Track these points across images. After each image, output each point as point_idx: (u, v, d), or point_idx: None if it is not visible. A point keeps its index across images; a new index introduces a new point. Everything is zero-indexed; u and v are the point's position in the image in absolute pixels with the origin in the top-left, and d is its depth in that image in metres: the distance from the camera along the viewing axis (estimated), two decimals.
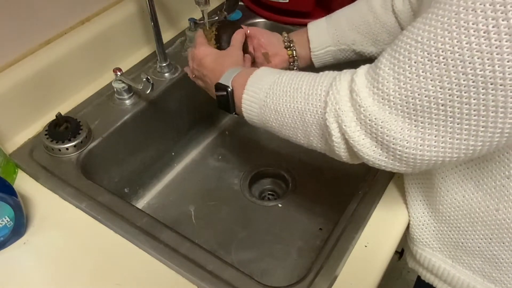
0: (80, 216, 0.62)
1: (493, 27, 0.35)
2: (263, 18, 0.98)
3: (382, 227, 0.60)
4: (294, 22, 0.94)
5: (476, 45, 0.36)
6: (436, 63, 0.38)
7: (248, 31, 0.73)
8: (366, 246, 0.58)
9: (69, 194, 0.64)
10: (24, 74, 0.71)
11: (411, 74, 0.40)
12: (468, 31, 0.36)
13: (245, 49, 0.70)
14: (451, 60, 0.38)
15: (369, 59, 0.70)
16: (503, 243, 0.54)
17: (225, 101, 0.60)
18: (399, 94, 0.41)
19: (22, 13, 0.69)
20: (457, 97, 0.39)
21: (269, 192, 0.90)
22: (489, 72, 0.36)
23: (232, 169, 0.91)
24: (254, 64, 0.74)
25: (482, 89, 0.37)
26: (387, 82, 0.42)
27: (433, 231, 0.60)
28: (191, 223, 0.82)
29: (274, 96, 0.53)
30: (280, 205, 0.85)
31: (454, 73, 0.38)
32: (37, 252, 0.59)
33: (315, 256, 0.58)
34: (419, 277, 0.67)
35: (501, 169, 0.49)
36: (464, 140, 0.41)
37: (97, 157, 0.73)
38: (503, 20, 0.35)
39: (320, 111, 0.48)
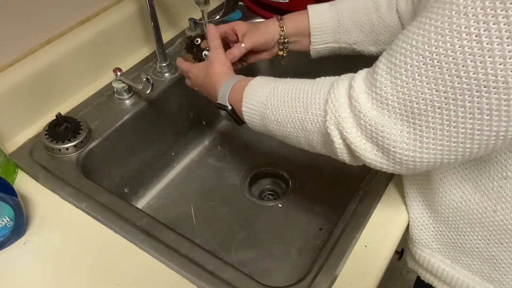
0: (80, 216, 0.62)
1: (484, 30, 0.36)
2: (263, 18, 0.98)
3: (382, 227, 0.60)
4: None
5: (468, 48, 0.37)
6: (431, 66, 0.39)
7: (235, 27, 0.71)
8: (366, 246, 0.58)
9: (69, 194, 0.64)
10: (24, 74, 0.71)
11: (407, 78, 0.41)
12: (460, 35, 0.37)
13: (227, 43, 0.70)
14: (445, 63, 0.38)
15: (366, 57, 0.70)
16: (501, 244, 0.54)
17: (229, 117, 0.61)
18: (396, 98, 0.42)
19: (22, 13, 0.69)
20: (452, 100, 0.39)
21: (269, 192, 0.90)
22: (482, 75, 0.37)
23: (232, 169, 0.91)
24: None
25: (476, 92, 0.38)
26: (384, 87, 0.42)
27: (432, 232, 0.60)
28: (191, 223, 0.82)
29: (272, 107, 0.53)
30: (280, 205, 0.85)
31: (449, 76, 0.38)
32: (37, 252, 0.59)
33: (315, 256, 0.58)
34: (418, 277, 0.67)
35: (498, 170, 0.49)
36: (461, 143, 0.41)
37: (97, 157, 0.73)
38: (493, 24, 0.35)
39: (321, 119, 0.49)
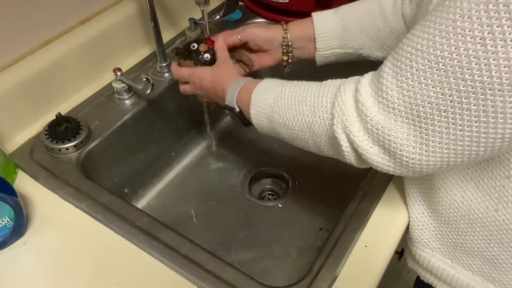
0: (80, 216, 0.62)
1: (488, 33, 0.36)
2: (263, 18, 0.98)
3: (382, 227, 0.60)
4: None
5: (473, 51, 0.37)
6: (436, 70, 0.39)
7: (239, 36, 0.70)
8: (366, 246, 0.58)
9: (69, 194, 0.64)
10: (24, 74, 0.71)
11: (413, 82, 0.41)
12: (465, 38, 0.37)
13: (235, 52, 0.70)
14: (450, 66, 0.38)
15: (372, 62, 0.69)
16: (502, 244, 0.54)
17: (237, 119, 0.61)
18: (403, 102, 0.42)
19: (22, 13, 0.69)
20: (457, 103, 0.39)
21: (269, 192, 0.90)
22: (487, 77, 0.37)
23: (232, 169, 0.91)
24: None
25: (481, 95, 0.38)
26: (390, 91, 0.43)
27: (433, 231, 0.60)
28: (191, 223, 0.82)
29: (280, 110, 0.54)
30: (280, 205, 0.85)
31: (454, 79, 0.38)
32: (37, 252, 0.59)
33: (315, 256, 0.58)
34: (418, 277, 0.67)
35: (501, 170, 0.49)
36: (467, 146, 0.41)
37: (97, 157, 0.73)
38: (497, 27, 0.35)
39: (328, 123, 0.49)
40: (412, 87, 0.41)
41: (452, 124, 0.41)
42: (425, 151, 0.43)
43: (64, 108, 0.76)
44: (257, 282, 0.54)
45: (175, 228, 0.60)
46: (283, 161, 0.91)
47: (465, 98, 0.39)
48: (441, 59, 0.39)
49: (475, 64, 0.37)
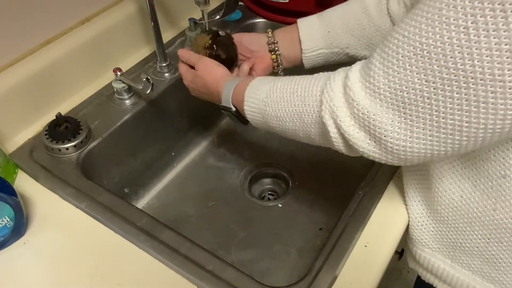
0: (80, 216, 0.62)
1: (471, 23, 0.36)
2: (263, 18, 0.98)
3: (382, 227, 0.60)
4: (294, 22, 0.94)
5: (456, 40, 0.37)
6: (421, 57, 0.40)
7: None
8: (366, 246, 0.58)
9: (69, 194, 0.64)
10: (24, 74, 0.71)
11: (398, 68, 0.41)
12: (449, 26, 0.37)
13: (234, 58, 0.70)
14: (434, 54, 0.39)
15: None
16: (501, 243, 0.54)
17: (234, 118, 0.63)
18: (388, 88, 0.43)
19: (22, 13, 0.69)
20: (440, 90, 0.40)
21: (269, 192, 0.90)
22: (469, 66, 0.37)
23: (232, 169, 0.91)
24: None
25: (464, 83, 0.38)
26: (377, 76, 0.43)
27: (432, 231, 0.60)
28: (191, 223, 0.82)
29: (272, 103, 0.55)
30: (280, 205, 0.85)
31: (437, 67, 0.39)
32: (37, 252, 0.59)
33: (315, 256, 0.58)
34: (419, 277, 0.67)
35: (496, 169, 0.49)
36: (450, 135, 0.42)
37: (97, 157, 0.73)
38: (480, 17, 0.36)
39: (317, 110, 0.49)
40: (398, 73, 0.42)
41: (436, 112, 0.41)
42: (409, 138, 0.43)
43: (64, 108, 0.76)
44: (257, 282, 0.54)
45: (175, 228, 0.60)
46: (283, 161, 0.91)
47: (448, 86, 0.39)
48: (426, 46, 0.39)
49: (458, 53, 0.37)
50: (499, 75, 0.37)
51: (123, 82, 0.77)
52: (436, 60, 0.39)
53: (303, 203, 0.85)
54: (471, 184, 0.52)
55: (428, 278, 0.64)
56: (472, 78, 0.38)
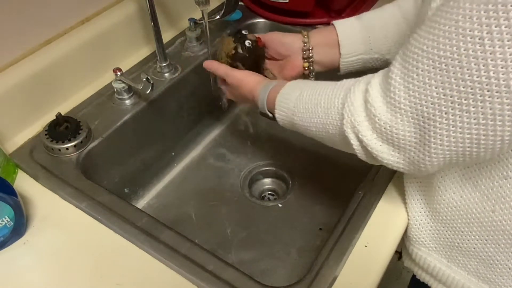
0: (80, 216, 0.62)
1: (486, 33, 0.36)
2: (263, 18, 0.98)
3: (382, 227, 0.60)
4: (294, 22, 0.94)
5: (472, 51, 0.37)
6: (439, 70, 0.40)
7: (262, 40, 0.71)
8: (366, 246, 0.58)
9: (69, 194, 0.64)
10: (24, 74, 0.71)
11: (418, 82, 0.42)
12: (465, 38, 0.37)
13: (260, 60, 0.70)
14: (452, 67, 0.39)
15: None
16: (498, 245, 0.54)
17: (274, 120, 0.63)
18: (409, 102, 0.43)
19: (22, 13, 0.69)
20: (458, 104, 0.40)
21: (269, 192, 0.90)
22: (485, 78, 0.37)
23: (232, 169, 0.91)
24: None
25: (480, 96, 0.38)
26: (398, 91, 0.43)
27: (430, 230, 0.60)
28: (191, 223, 0.82)
29: (299, 113, 0.56)
30: (280, 205, 0.85)
31: (455, 79, 0.39)
32: (37, 252, 0.59)
33: (315, 256, 0.58)
34: (413, 277, 0.67)
35: (499, 169, 0.49)
36: (468, 148, 0.42)
37: (97, 157, 0.73)
38: (495, 27, 0.36)
39: (339, 123, 0.50)
40: (418, 88, 0.42)
41: (453, 127, 0.41)
42: (427, 152, 0.44)
43: (64, 108, 0.76)
44: (257, 282, 0.54)
45: (175, 228, 0.60)
46: (283, 161, 0.91)
47: (465, 100, 0.39)
48: (444, 59, 0.39)
49: (474, 65, 0.37)
50: None
51: (123, 82, 0.77)
52: (453, 73, 0.39)
53: (303, 203, 0.85)
54: (471, 185, 0.53)
55: (423, 277, 0.65)
56: (488, 91, 0.38)
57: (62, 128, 0.71)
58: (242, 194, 0.87)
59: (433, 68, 0.40)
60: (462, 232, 0.56)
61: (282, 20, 0.95)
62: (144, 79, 0.73)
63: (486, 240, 0.55)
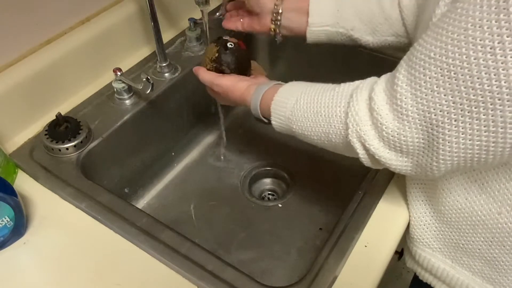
0: (80, 216, 0.62)
1: (498, 43, 0.36)
2: None
3: (382, 227, 0.60)
4: None
5: (483, 60, 0.37)
6: (448, 78, 0.40)
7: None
8: (366, 246, 0.58)
9: (69, 194, 0.64)
10: (24, 74, 0.71)
11: (426, 89, 0.42)
12: (475, 47, 0.37)
13: (245, 62, 0.70)
14: (461, 75, 0.39)
15: (362, 47, 0.70)
16: (504, 246, 0.54)
17: (269, 125, 0.63)
18: (416, 109, 0.43)
19: (22, 13, 0.69)
20: (467, 112, 0.40)
21: (269, 192, 0.90)
22: (496, 87, 0.37)
23: (232, 169, 0.91)
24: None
25: (490, 104, 0.38)
26: (405, 98, 0.43)
27: (434, 231, 0.60)
28: (191, 223, 0.82)
29: (297, 122, 0.55)
30: (280, 205, 0.85)
31: (464, 88, 0.39)
32: (37, 252, 0.59)
33: (315, 256, 0.58)
34: (414, 277, 0.67)
35: (506, 172, 0.49)
36: (476, 154, 0.42)
37: (97, 157, 0.73)
38: (507, 37, 0.36)
39: (343, 132, 0.50)
40: (426, 95, 0.42)
41: (462, 134, 0.41)
42: (435, 158, 0.44)
43: (64, 108, 0.76)
44: (257, 282, 0.54)
45: (175, 228, 0.60)
46: (283, 161, 0.91)
47: (475, 107, 0.39)
48: (453, 67, 0.39)
49: (485, 73, 0.37)
50: None
51: (123, 82, 0.77)
52: (463, 81, 0.39)
53: (303, 203, 0.85)
54: (477, 187, 0.52)
55: (426, 278, 0.64)
56: (498, 100, 0.38)
57: (62, 128, 0.71)
58: (242, 194, 0.87)
59: (441, 75, 0.40)
60: (467, 233, 0.56)
61: None
62: (144, 79, 0.73)
63: (491, 242, 0.54)
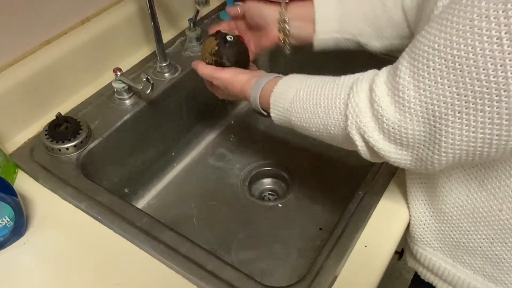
0: (80, 216, 0.62)
1: (505, 33, 0.36)
2: None
3: (382, 227, 0.60)
4: None
5: (489, 51, 0.37)
6: (453, 69, 0.39)
7: (239, 9, 0.70)
8: (366, 246, 0.58)
9: (69, 194, 0.64)
10: (24, 74, 0.71)
11: (430, 81, 0.41)
12: (482, 37, 0.37)
13: (245, 55, 0.69)
14: (466, 66, 0.38)
15: (369, 53, 0.69)
16: (506, 244, 0.54)
17: (268, 117, 0.62)
18: (419, 101, 0.42)
19: (22, 13, 0.69)
20: (472, 104, 0.39)
21: (269, 192, 0.90)
22: (502, 78, 0.37)
23: (232, 169, 0.91)
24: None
25: (496, 96, 0.38)
26: (407, 90, 0.43)
27: (435, 230, 0.60)
28: (191, 223, 0.82)
29: (296, 113, 0.55)
30: (280, 205, 0.85)
31: (469, 79, 0.38)
32: (37, 252, 0.59)
33: (315, 256, 0.58)
34: (415, 276, 0.66)
35: (506, 169, 0.49)
36: (479, 147, 0.42)
37: (97, 157, 0.73)
38: None
39: (342, 124, 0.50)
40: (429, 87, 0.41)
41: (466, 126, 0.41)
42: (437, 151, 0.43)
43: (64, 108, 0.76)
44: (257, 282, 0.54)
45: (175, 228, 0.60)
46: (283, 161, 0.91)
47: (479, 99, 0.39)
48: (458, 58, 0.38)
49: (491, 65, 0.37)
50: None
51: (123, 82, 0.77)
52: (468, 73, 0.38)
53: (303, 203, 0.85)
54: (478, 184, 0.52)
55: (428, 277, 0.64)
56: (504, 91, 0.37)
57: (62, 128, 0.71)
58: (242, 194, 0.87)
59: (445, 67, 0.39)
60: (468, 231, 0.56)
61: None
62: (144, 79, 0.73)
63: (492, 239, 0.54)
